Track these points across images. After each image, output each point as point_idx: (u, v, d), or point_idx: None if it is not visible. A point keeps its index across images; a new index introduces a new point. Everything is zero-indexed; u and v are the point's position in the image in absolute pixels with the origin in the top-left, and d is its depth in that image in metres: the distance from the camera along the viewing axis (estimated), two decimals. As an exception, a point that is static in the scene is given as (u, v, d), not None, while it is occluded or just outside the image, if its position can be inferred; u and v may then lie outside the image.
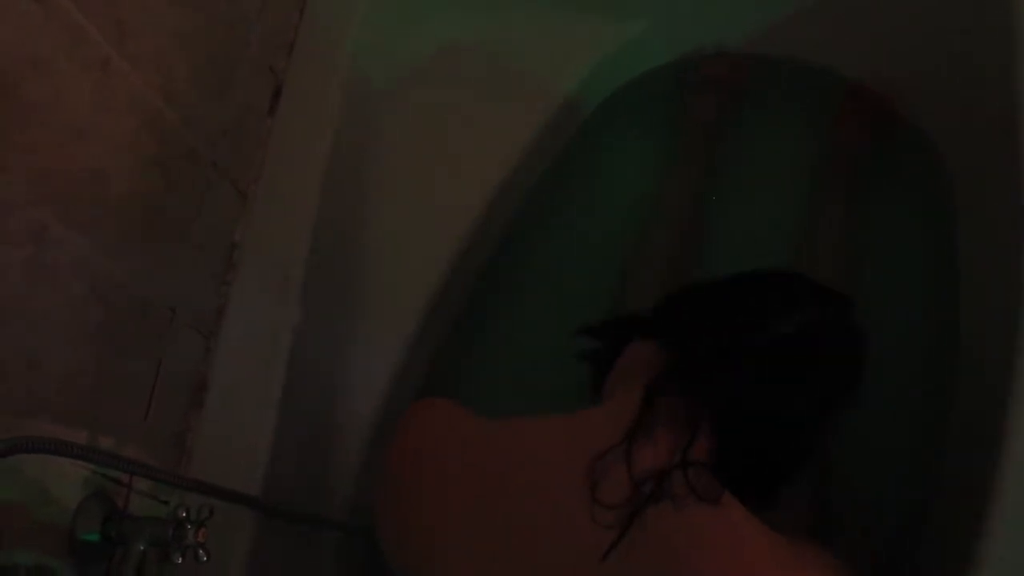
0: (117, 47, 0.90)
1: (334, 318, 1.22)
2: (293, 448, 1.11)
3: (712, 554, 0.76)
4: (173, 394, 1.04)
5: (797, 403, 0.86)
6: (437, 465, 0.89)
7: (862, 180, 1.38)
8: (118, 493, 0.94)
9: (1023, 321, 0.97)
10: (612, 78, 1.45)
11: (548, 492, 0.82)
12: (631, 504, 0.77)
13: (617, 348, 1.00)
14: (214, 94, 1.08)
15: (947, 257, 1.28)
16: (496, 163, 1.34)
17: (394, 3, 1.30)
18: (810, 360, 0.87)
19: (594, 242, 1.43)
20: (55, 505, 0.85)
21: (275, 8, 1.19)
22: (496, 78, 1.37)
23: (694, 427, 0.81)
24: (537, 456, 0.85)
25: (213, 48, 1.07)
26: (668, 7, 1.41)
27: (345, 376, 1.24)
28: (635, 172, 1.47)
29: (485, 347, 1.40)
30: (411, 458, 0.92)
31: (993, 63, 1.12)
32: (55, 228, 0.83)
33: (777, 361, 0.86)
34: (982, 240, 1.21)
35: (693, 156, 1.43)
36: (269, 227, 1.14)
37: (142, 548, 0.87)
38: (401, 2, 1.32)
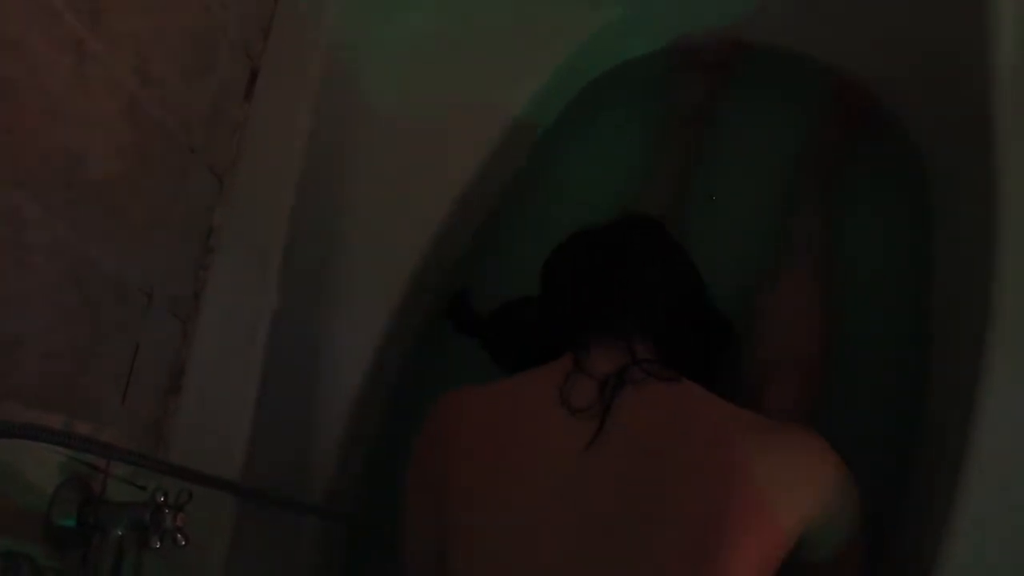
0: (91, 28, 0.89)
1: (313, 303, 1.22)
2: (272, 433, 1.10)
3: (682, 419, 0.87)
4: (151, 379, 1.03)
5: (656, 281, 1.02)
6: (466, 420, 0.97)
7: (842, 172, 1.38)
8: (95, 478, 0.93)
9: (993, 318, 0.99)
10: (590, 67, 1.45)
11: (535, 425, 0.91)
12: (600, 399, 0.89)
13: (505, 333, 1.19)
14: (190, 77, 1.07)
15: (924, 253, 1.30)
16: (475, 148, 1.34)
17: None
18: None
19: (575, 229, 1.43)
20: (31, 491, 0.85)
21: (252, -9, 1.18)
22: (475, 63, 1.36)
23: (627, 341, 0.94)
24: (522, 403, 0.94)
25: (189, 31, 1.07)
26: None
27: (324, 361, 1.24)
28: (615, 162, 1.47)
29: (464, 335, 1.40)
30: (448, 421, 0.98)
31: (969, 58, 1.13)
32: (31, 210, 0.83)
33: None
34: (957, 238, 1.22)
35: (673, 145, 1.43)
36: (247, 211, 1.14)
37: (120, 533, 0.87)
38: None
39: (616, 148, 1.48)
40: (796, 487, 0.85)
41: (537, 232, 1.44)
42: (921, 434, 1.19)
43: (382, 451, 1.33)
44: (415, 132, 1.33)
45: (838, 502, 0.88)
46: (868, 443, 1.23)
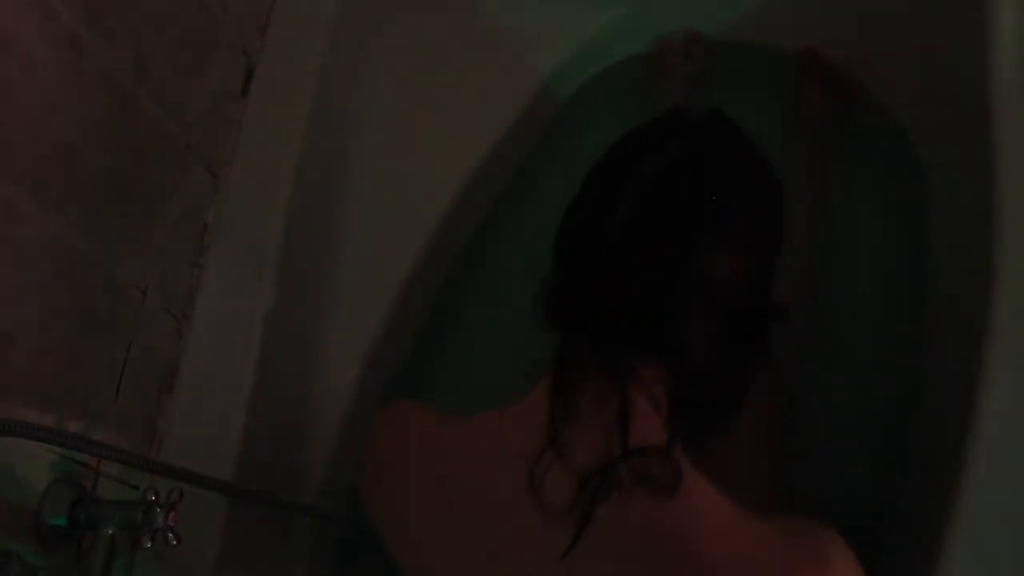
0: (87, 25, 0.89)
1: (308, 301, 1.22)
2: (265, 432, 1.10)
3: (668, 553, 0.69)
4: (144, 377, 1.03)
5: (708, 244, 0.74)
6: (414, 470, 0.83)
7: (832, 161, 1.38)
8: (86, 477, 0.93)
9: (992, 298, 0.98)
10: (589, 65, 1.45)
11: (497, 493, 0.76)
12: (579, 503, 0.70)
13: None
14: (187, 74, 1.07)
15: (918, 241, 1.29)
16: (472, 147, 1.34)
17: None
18: (697, 188, 0.75)
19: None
20: (22, 489, 0.84)
21: (249, -12, 1.18)
22: (473, 62, 1.36)
23: (622, 392, 0.71)
24: (482, 456, 0.79)
25: (186, 29, 1.06)
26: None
27: (318, 360, 1.23)
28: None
29: (461, 333, 1.40)
30: (389, 465, 0.86)
31: (966, 49, 1.13)
32: (24, 206, 0.82)
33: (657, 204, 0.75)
34: (953, 229, 1.22)
35: None
36: (242, 209, 1.13)
37: (111, 532, 0.86)
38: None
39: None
40: None
41: (529, 231, 1.45)
42: (920, 427, 1.18)
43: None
44: (412, 130, 1.33)
45: None
46: (864, 437, 1.23)
